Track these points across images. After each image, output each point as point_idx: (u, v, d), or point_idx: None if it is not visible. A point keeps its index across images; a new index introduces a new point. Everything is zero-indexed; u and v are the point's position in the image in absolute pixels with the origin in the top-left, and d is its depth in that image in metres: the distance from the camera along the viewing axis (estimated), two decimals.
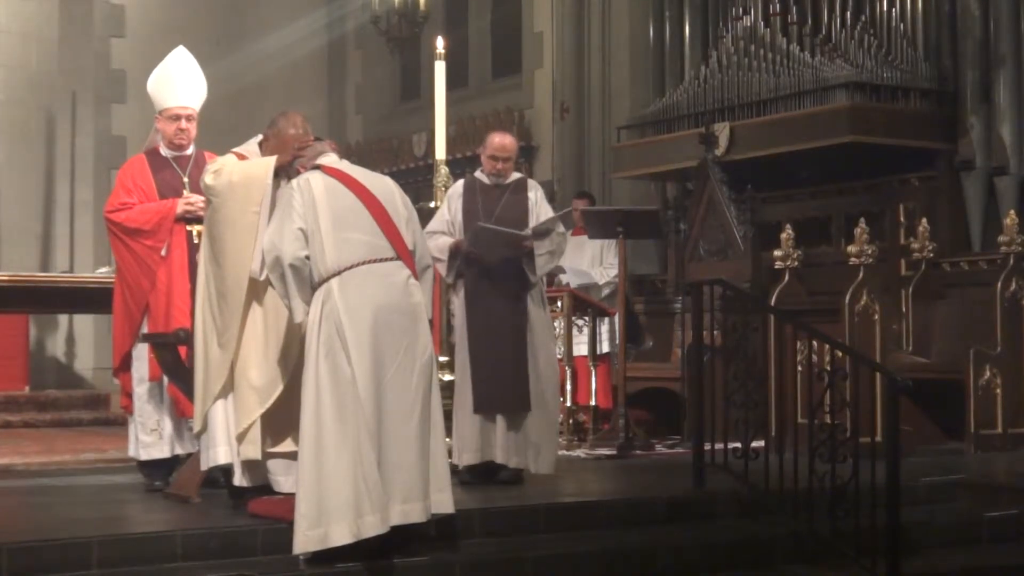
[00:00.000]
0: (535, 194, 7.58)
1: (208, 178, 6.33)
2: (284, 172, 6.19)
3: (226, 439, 6.20)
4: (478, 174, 7.67)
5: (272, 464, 6.19)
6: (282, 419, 6.09)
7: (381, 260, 5.70)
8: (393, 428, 5.54)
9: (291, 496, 5.64)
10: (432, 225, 7.47)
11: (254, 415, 6.11)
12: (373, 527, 5.44)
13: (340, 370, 5.53)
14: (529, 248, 7.31)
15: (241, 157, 6.46)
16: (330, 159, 5.96)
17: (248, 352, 6.18)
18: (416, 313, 5.71)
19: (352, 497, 5.44)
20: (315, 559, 5.50)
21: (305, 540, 5.46)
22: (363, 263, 5.66)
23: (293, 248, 5.68)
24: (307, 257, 5.69)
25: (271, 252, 5.74)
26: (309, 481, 5.48)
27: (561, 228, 7.50)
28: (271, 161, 6.24)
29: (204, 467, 6.35)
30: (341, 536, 5.44)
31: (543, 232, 7.36)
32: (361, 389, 5.51)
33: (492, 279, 7.37)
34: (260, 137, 6.52)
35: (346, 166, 5.95)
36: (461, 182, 7.72)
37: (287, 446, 6.12)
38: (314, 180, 5.80)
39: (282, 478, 6.16)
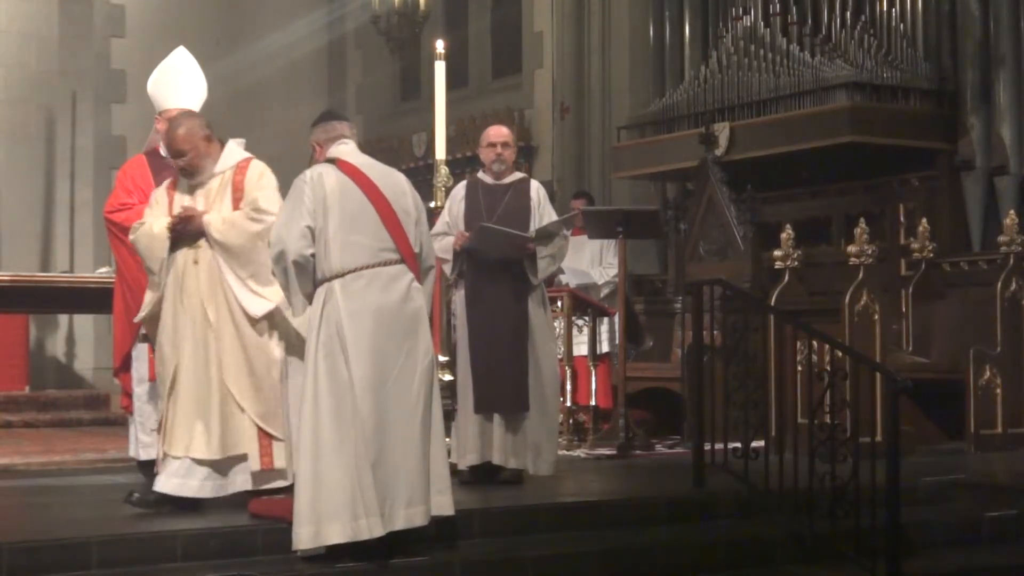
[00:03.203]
0: (538, 195, 7.59)
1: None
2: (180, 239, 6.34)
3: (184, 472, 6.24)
4: (480, 175, 7.69)
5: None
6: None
7: (385, 264, 5.69)
8: (395, 433, 5.54)
9: (291, 496, 5.65)
10: (435, 227, 7.47)
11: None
12: (367, 530, 5.45)
13: (338, 372, 5.54)
14: (532, 251, 7.31)
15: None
16: (346, 149, 5.89)
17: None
18: (417, 317, 5.71)
19: (348, 499, 5.45)
20: (315, 558, 5.51)
21: (297, 538, 5.49)
22: (367, 267, 5.65)
23: (299, 246, 5.67)
24: (312, 255, 5.68)
25: (276, 245, 5.73)
26: (306, 480, 5.50)
27: (565, 232, 7.52)
28: (165, 236, 6.34)
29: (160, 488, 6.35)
30: (333, 536, 5.45)
31: (547, 235, 7.37)
32: (359, 393, 5.51)
33: (493, 279, 7.36)
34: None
35: (361, 161, 5.86)
36: (463, 183, 7.74)
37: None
38: (327, 176, 5.74)
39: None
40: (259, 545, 5.70)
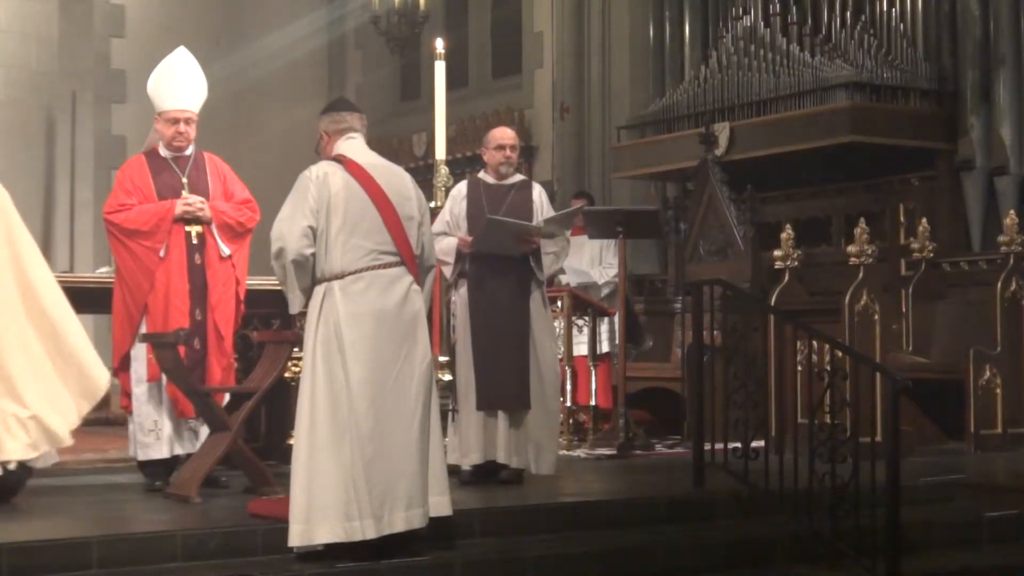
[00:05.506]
0: (540, 198, 7.59)
1: None
2: None
3: None
4: (481, 175, 7.68)
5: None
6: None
7: (385, 266, 5.67)
8: (394, 437, 5.53)
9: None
10: (434, 226, 7.46)
11: None
12: (359, 532, 5.44)
13: (335, 373, 5.53)
14: (537, 246, 7.32)
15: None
16: (354, 146, 5.85)
17: None
18: (416, 321, 5.69)
19: (341, 499, 5.45)
20: (314, 558, 5.51)
21: (291, 535, 5.50)
22: (367, 269, 5.64)
23: (299, 245, 5.65)
24: (312, 254, 5.67)
25: (277, 242, 5.70)
26: (300, 478, 5.50)
27: (567, 232, 7.53)
28: None
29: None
30: (323, 535, 5.46)
31: (555, 226, 7.38)
32: (355, 395, 5.50)
33: (496, 277, 7.36)
34: None
35: (367, 160, 5.81)
36: (464, 183, 7.73)
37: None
38: (333, 176, 5.69)
39: None
40: (259, 545, 5.69)
